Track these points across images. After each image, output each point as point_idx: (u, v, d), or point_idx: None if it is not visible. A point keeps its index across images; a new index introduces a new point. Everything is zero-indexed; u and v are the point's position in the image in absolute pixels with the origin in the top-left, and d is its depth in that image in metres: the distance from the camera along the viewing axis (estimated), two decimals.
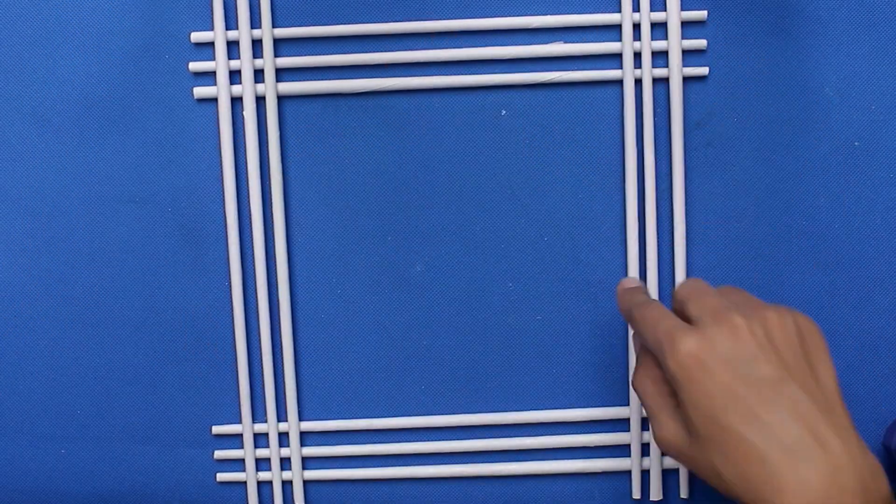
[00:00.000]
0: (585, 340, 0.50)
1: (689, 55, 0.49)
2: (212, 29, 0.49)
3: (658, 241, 0.50)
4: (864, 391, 0.50)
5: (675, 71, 0.48)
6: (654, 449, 0.50)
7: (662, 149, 0.49)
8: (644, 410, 0.46)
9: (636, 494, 0.50)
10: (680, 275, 0.49)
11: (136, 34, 0.49)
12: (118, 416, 0.51)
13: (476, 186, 0.50)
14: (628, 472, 0.51)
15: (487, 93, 0.49)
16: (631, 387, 0.48)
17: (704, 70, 0.49)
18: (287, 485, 0.51)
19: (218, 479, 0.51)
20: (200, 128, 0.49)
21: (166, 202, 0.50)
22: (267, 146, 0.49)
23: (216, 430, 0.51)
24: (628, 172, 0.49)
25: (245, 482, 0.51)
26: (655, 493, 0.50)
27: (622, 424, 0.51)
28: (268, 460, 0.51)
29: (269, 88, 0.49)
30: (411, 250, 0.50)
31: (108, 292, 0.50)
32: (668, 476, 0.51)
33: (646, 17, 0.48)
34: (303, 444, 0.51)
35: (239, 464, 0.51)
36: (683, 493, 0.50)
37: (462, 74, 0.49)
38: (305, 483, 0.51)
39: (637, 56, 0.49)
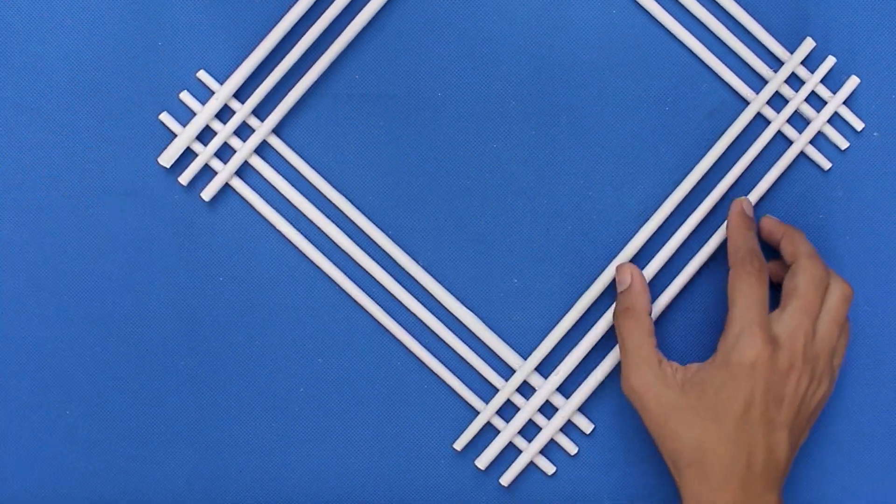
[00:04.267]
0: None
1: None
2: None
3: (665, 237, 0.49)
4: None
5: None
6: None
7: (674, 137, 0.49)
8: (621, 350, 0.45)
9: None
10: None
11: (128, 21, 0.49)
12: (107, 415, 0.49)
13: (479, 178, 0.49)
14: None
15: (492, 83, 0.49)
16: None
17: None
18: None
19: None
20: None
21: (158, 194, 0.49)
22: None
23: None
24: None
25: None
26: None
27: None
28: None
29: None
30: (411, 245, 0.49)
31: (98, 286, 0.49)
32: None
33: None
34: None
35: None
36: None
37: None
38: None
39: None
